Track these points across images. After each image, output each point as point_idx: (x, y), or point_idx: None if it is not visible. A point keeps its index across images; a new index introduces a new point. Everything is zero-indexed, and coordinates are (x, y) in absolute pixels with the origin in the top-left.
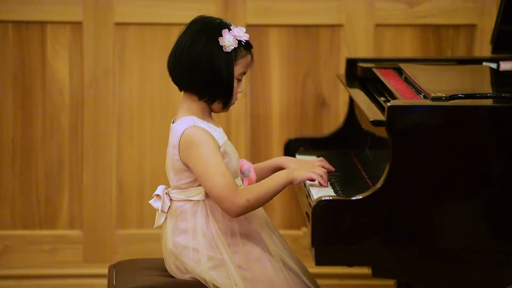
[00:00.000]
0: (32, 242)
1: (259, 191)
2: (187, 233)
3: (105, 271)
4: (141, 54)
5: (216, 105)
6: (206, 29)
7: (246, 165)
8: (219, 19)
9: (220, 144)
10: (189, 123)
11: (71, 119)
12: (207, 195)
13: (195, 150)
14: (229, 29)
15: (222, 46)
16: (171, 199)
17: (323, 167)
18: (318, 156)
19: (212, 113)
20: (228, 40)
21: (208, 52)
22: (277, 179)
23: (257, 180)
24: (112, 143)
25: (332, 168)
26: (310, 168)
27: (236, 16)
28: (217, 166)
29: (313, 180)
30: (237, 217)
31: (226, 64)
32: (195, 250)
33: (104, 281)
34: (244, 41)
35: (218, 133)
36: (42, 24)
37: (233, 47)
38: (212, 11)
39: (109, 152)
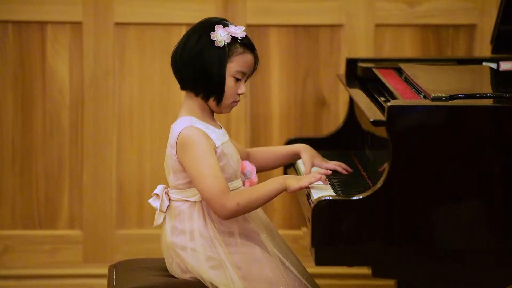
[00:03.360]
0: (32, 242)
1: (251, 195)
2: (185, 234)
3: (105, 271)
4: (141, 54)
5: (212, 103)
6: (202, 26)
7: (248, 167)
8: (220, 18)
9: (217, 146)
10: (186, 124)
11: (71, 119)
12: None
13: (189, 151)
14: (225, 26)
15: (214, 41)
16: (170, 199)
17: (332, 170)
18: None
19: (215, 114)
20: (220, 35)
21: (199, 46)
22: (271, 185)
23: (269, 164)
24: (112, 143)
25: (346, 171)
26: (303, 178)
27: (236, 16)
28: (209, 168)
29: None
30: (227, 219)
31: (217, 59)
32: (193, 250)
33: (104, 281)
34: (240, 39)
35: (217, 134)
36: (42, 24)
37: (225, 43)
38: (212, 11)
39: (109, 152)
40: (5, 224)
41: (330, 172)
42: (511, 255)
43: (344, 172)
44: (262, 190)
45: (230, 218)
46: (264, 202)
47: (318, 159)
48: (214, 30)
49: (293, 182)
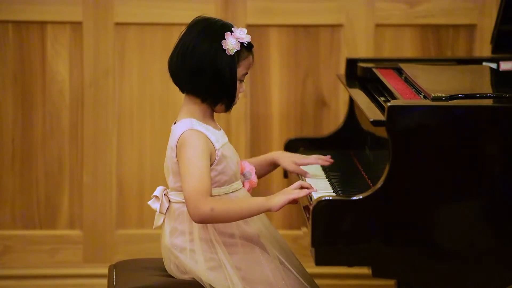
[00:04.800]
0: (32, 242)
1: (227, 206)
2: (184, 235)
3: (105, 271)
4: (141, 54)
5: (219, 107)
6: (209, 32)
7: (248, 167)
8: (220, 20)
9: (217, 148)
10: (186, 126)
11: (71, 119)
12: None
13: (184, 151)
14: (232, 32)
15: (225, 50)
16: (169, 201)
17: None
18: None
19: (214, 113)
20: (231, 43)
21: (212, 56)
22: (252, 203)
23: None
24: (112, 143)
25: (327, 162)
26: (287, 190)
27: (236, 16)
28: (197, 169)
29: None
30: (200, 223)
31: (229, 67)
32: (192, 252)
33: (104, 281)
34: (246, 43)
35: (217, 136)
36: (42, 24)
37: (236, 50)
38: (212, 11)
39: (109, 152)
40: (5, 224)
41: (315, 189)
42: (511, 255)
43: (326, 163)
44: (241, 205)
45: (202, 222)
46: (243, 217)
47: (297, 158)
48: (224, 38)
49: (276, 201)
